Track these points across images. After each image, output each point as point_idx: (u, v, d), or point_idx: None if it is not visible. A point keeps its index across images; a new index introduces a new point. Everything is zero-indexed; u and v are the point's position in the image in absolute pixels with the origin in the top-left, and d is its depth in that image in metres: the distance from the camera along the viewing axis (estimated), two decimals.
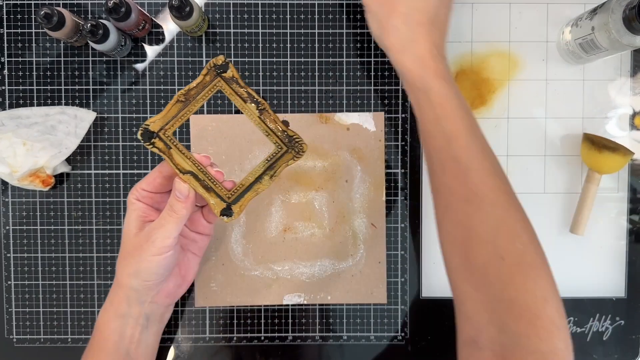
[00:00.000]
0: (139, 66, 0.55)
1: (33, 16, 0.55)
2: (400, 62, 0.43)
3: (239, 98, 0.40)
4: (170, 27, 0.55)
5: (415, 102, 0.43)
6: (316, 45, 0.55)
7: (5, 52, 0.55)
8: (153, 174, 0.43)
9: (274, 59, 0.55)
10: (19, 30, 0.55)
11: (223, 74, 0.40)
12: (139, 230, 0.43)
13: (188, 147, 0.55)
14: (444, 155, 0.40)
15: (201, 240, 0.48)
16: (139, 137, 0.41)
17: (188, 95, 0.40)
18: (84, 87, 0.55)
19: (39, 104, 0.55)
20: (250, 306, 0.56)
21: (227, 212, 0.42)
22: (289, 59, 0.55)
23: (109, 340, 0.44)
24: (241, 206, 0.42)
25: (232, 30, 0.55)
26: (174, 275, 0.47)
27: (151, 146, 0.41)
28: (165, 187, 0.44)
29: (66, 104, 0.55)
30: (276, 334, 0.56)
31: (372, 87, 0.55)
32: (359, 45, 0.55)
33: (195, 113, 0.55)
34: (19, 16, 0.55)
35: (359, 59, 0.55)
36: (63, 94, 0.55)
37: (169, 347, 0.56)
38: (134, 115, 0.55)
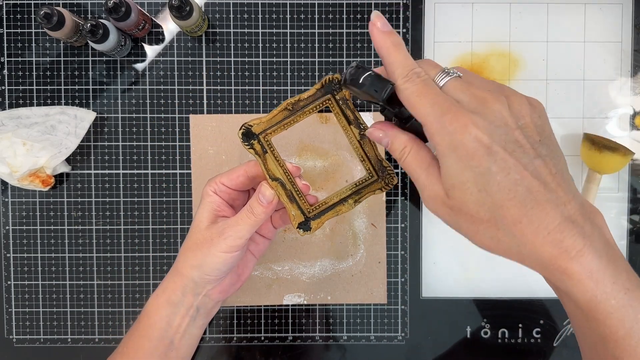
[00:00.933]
0: (139, 66, 0.55)
1: (33, 16, 0.54)
2: (566, 270, 0.29)
3: (344, 119, 0.40)
4: (170, 27, 0.55)
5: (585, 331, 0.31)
6: (316, 45, 0.55)
7: (5, 52, 0.55)
8: (237, 172, 0.43)
9: (274, 59, 0.55)
10: (19, 30, 0.55)
11: (336, 92, 0.39)
12: (210, 223, 0.42)
13: (188, 147, 0.55)
14: None
15: (262, 243, 0.48)
16: (239, 135, 0.40)
17: (296, 106, 0.39)
18: (84, 87, 0.55)
19: (39, 104, 0.55)
20: (250, 306, 0.56)
21: (305, 226, 0.42)
22: (289, 59, 0.55)
23: (155, 327, 0.44)
24: (319, 223, 0.42)
25: (232, 30, 0.55)
26: (232, 273, 0.46)
27: (249, 147, 0.40)
28: (245, 186, 0.44)
29: (66, 104, 0.55)
30: (276, 334, 0.56)
31: None
32: (359, 45, 0.55)
33: (196, 114, 0.55)
34: (18, 16, 0.55)
35: (359, 59, 0.55)
36: (63, 94, 0.55)
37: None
38: (134, 115, 0.55)
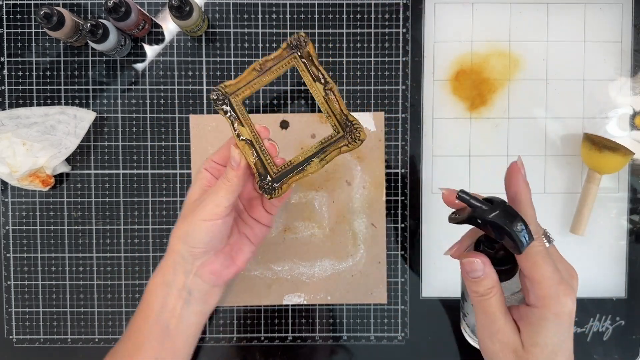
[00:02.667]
0: (139, 66, 0.55)
1: (33, 16, 0.54)
2: None
3: (309, 75, 0.40)
4: (170, 27, 0.55)
5: None
6: (316, 45, 0.55)
7: (5, 52, 0.55)
8: (224, 147, 0.44)
9: None
10: (19, 30, 0.55)
11: (300, 50, 0.39)
12: (198, 197, 0.44)
13: (188, 147, 0.55)
14: None
15: (258, 228, 0.47)
16: (211, 96, 0.40)
17: (264, 66, 0.40)
18: (84, 87, 0.55)
19: (38, 104, 0.55)
20: (250, 306, 0.56)
21: (269, 188, 0.41)
22: None
23: (151, 308, 0.44)
24: (285, 185, 0.41)
25: (232, 30, 0.55)
26: (223, 253, 0.45)
27: (219, 107, 0.40)
28: None
29: (66, 103, 0.55)
30: (276, 334, 0.56)
31: (372, 87, 0.55)
32: (359, 45, 0.55)
33: (196, 114, 0.55)
34: (18, 16, 0.54)
35: (359, 59, 0.55)
36: (63, 94, 0.55)
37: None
38: (134, 115, 0.55)
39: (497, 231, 0.32)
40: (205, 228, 0.42)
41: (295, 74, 0.55)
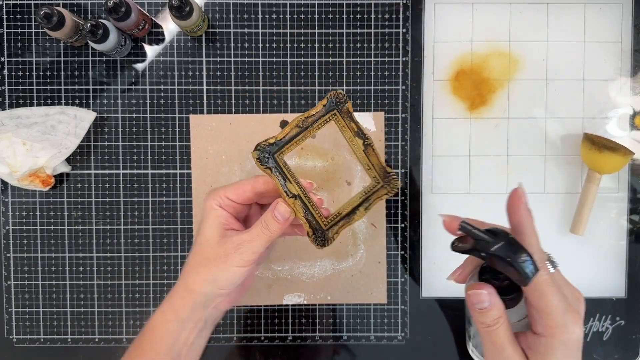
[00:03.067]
0: (139, 66, 0.55)
1: (33, 16, 0.54)
2: None
3: (349, 132, 0.41)
4: (170, 27, 0.55)
5: None
6: (316, 45, 0.55)
7: (5, 52, 0.55)
8: (243, 187, 0.42)
9: (274, 59, 0.55)
10: (19, 30, 0.55)
11: (340, 107, 0.41)
12: (221, 238, 0.42)
13: (188, 147, 0.55)
14: None
15: (265, 252, 0.48)
16: (253, 156, 0.40)
17: (305, 122, 0.41)
18: (84, 87, 0.55)
19: (38, 104, 0.55)
20: (250, 306, 0.56)
21: (321, 238, 0.42)
22: (289, 59, 0.55)
23: (162, 342, 0.43)
24: (335, 234, 0.42)
25: (232, 30, 0.55)
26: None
27: (266, 168, 0.41)
28: (250, 201, 0.44)
29: (66, 104, 0.55)
30: (276, 334, 0.56)
31: (372, 87, 0.55)
32: (359, 45, 0.55)
33: (196, 114, 0.55)
34: (18, 16, 0.55)
35: (359, 59, 0.55)
36: (63, 94, 0.55)
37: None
38: (134, 115, 0.55)
39: (501, 263, 0.31)
40: (240, 274, 0.41)
41: (295, 74, 0.55)
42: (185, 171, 0.55)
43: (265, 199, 0.45)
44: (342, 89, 0.49)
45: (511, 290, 0.34)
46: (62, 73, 0.55)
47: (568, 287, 0.35)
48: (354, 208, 0.42)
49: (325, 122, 0.41)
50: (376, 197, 0.42)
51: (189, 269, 0.43)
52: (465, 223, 0.33)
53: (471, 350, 0.49)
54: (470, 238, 0.33)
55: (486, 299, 0.33)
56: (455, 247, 0.35)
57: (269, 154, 0.40)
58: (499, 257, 0.31)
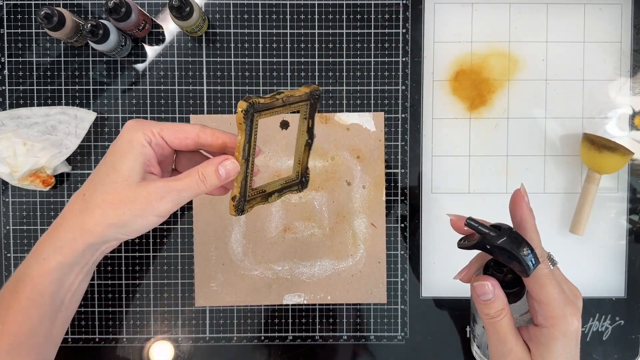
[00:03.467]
0: (139, 66, 0.55)
1: (33, 16, 0.55)
2: None
3: (306, 124, 0.42)
4: (170, 27, 0.55)
5: None
6: (316, 45, 0.55)
7: (6, 52, 0.55)
8: (187, 131, 0.38)
9: (274, 59, 0.55)
10: (19, 31, 0.55)
11: (314, 102, 0.41)
12: (142, 180, 0.37)
13: None
14: None
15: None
16: (242, 107, 0.38)
17: (287, 100, 0.40)
18: (84, 87, 0.55)
19: (39, 104, 0.55)
20: (250, 306, 0.56)
21: (240, 209, 0.41)
22: (289, 59, 0.55)
23: (45, 293, 0.38)
24: (250, 208, 0.41)
25: (232, 30, 0.55)
26: None
27: (245, 121, 0.38)
28: (187, 148, 0.39)
29: (66, 104, 0.55)
30: (276, 334, 0.56)
31: (372, 87, 0.56)
32: (359, 45, 0.55)
33: (196, 114, 0.55)
34: (19, 16, 0.55)
35: (358, 59, 0.55)
36: (63, 94, 0.55)
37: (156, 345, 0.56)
38: (134, 115, 0.55)
39: (505, 256, 0.33)
40: (154, 222, 0.37)
41: (296, 74, 0.55)
42: None
43: (202, 150, 0.41)
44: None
45: (514, 285, 0.36)
46: (63, 73, 0.55)
47: (567, 283, 0.37)
48: (273, 191, 0.42)
49: (299, 108, 0.41)
50: (289, 190, 0.43)
51: (90, 207, 0.37)
52: (471, 219, 0.35)
53: (475, 351, 0.50)
54: (476, 234, 0.35)
55: (490, 290, 0.35)
56: (462, 244, 0.37)
57: (253, 111, 0.40)
58: (503, 250, 0.33)
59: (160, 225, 0.55)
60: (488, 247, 0.34)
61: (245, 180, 0.40)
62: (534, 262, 0.33)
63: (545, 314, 0.35)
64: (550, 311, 0.34)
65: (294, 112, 0.41)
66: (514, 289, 0.36)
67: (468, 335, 0.56)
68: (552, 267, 0.36)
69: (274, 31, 0.55)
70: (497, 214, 0.56)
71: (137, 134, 0.37)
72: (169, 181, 0.37)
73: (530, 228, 0.36)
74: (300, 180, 0.43)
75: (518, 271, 0.34)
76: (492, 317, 0.36)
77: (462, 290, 0.56)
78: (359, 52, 0.55)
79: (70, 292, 0.39)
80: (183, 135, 0.38)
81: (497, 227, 0.34)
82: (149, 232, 0.55)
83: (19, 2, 0.54)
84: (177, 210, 0.55)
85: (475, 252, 0.39)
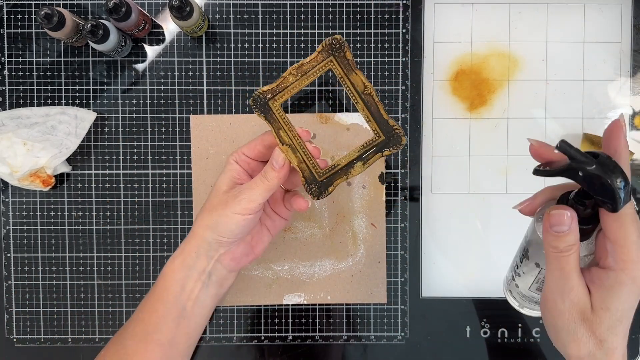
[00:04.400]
0: (139, 66, 0.55)
1: (33, 16, 0.55)
2: None
3: (348, 81, 0.39)
4: (170, 27, 0.55)
5: None
6: (316, 45, 0.55)
7: (6, 52, 0.55)
8: (255, 141, 0.45)
9: (274, 59, 0.55)
10: (19, 31, 0.55)
11: (337, 54, 0.39)
12: (229, 189, 0.45)
13: (188, 147, 0.55)
14: None
15: (278, 220, 0.49)
16: (250, 102, 0.41)
17: (300, 70, 0.40)
18: (84, 87, 0.55)
19: (39, 104, 0.55)
20: (250, 306, 0.56)
21: (316, 190, 0.41)
22: (289, 59, 0.55)
23: (170, 291, 0.45)
24: (331, 187, 0.41)
25: (232, 30, 0.55)
26: (245, 242, 0.48)
27: (260, 113, 0.41)
28: (264, 157, 0.46)
29: (66, 104, 0.55)
30: (276, 334, 0.56)
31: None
32: (358, 45, 0.55)
33: (196, 114, 0.55)
34: (19, 16, 0.55)
35: (358, 59, 0.55)
36: (63, 94, 0.55)
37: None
38: (134, 116, 0.55)
39: (596, 185, 0.30)
40: (237, 221, 0.43)
41: None
42: (185, 171, 0.55)
43: None
44: (342, 34, 0.50)
45: (588, 222, 0.34)
46: (63, 73, 0.55)
47: None
48: (350, 162, 0.41)
49: (321, 68, 0.40)
50: (376, 151, 0.40)
51: (198, 215, 0.46)
52: (564, 142, 0.32)
53: (509, 289, 0.46)
54: (560, 161, 0.32)
55: (567, 222, 0.33)
56: (540, 171, 0.34)
57: (264, 100, 0.40)
58: (597, 177, 0.30)
59: (161, 225, 0.56)
60: (580, 173, 0.31)
61: (307, 164, 0.40)
62: (625, 198, 0.30)
63: (617, 257, 0.32)
64: (625, 254, 0.32)
65: (328, 73, 0.40)
66: (587, 225, 0.34)
67: (468, 336, 0.56)
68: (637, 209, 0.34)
69: (274, 31, 0.55)
70: (497, 214, 0.56)
71: (229, 157, 0.46)
72: (243, 185, 0.44)
73: (625, 162, 0.33)
74: (385, 137, 0.40)
75: (606, 204, 0.31)
76: (561, 251, 0.33)
77: (462, 290, 0.56)
78: (359, 52, 0.55)
79: (191, 300, 0.46)
80: (253, 145, 0.45)
81: (592, 154, 0.31)
82: (149, 232, 0.55)
83: (19, 2, 0.54)
84: (177, 211, 0.55)
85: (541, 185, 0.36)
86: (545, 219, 0.34)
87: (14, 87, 0.55)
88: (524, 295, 0.43)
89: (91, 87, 0.55)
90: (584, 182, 0.31)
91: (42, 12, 0.47)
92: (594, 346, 0.34)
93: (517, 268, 0.43)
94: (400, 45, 0.55)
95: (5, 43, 0.55)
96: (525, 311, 0.46)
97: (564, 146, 0.31)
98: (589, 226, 0.34)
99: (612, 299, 0.33)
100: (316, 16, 0.55)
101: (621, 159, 0.33)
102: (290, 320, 0.56)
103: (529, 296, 0.43)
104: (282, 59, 0.55)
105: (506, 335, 0.56)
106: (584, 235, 0.34)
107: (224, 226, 0.44)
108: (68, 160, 0.55)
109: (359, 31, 0.55)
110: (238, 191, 0.44)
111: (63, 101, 0.55)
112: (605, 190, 0.30)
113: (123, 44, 0.52)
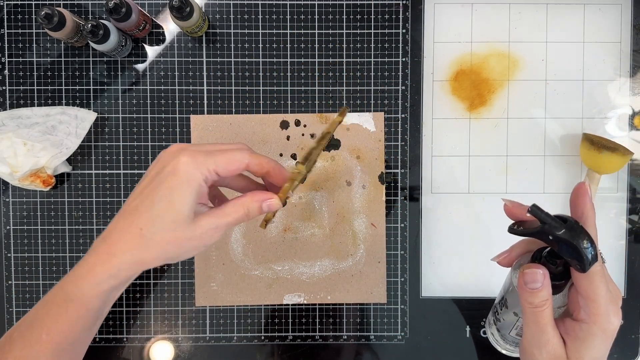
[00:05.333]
0: (140, 66, 0.55)
1: (33, 16, 0.55)
2: None
3: (327, 138, 0.44)
4: (170, 27, 0.55)
5: None
6: (316, 45, 0.55)
7: (6, 52, 0.55)
8: (236, 163, 0.38)
9: (274, 59, 0.55)
10: (20, 31, 0.55)
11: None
12: (195, 217, 0.38)
13: None
14: None
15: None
16: (301, 170, 0.41)
17: (325, 136, 0.44)
18: (85, 87, 0.55)
19: (39, 104, 0.55)
20: (250, 306, 0.56)
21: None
22: (289, 59, 0.55)
23: (92, 310, 0.40)
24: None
25: (232, 31, 0.55)
26: None
27: (301, 181, 0.42)
28: (235, 174, 0.40)
29: (67, 104, 0.55)
30: (276, 334, 0.56)
31: (372, 87, 0.56)
32: (358, 45, 0.56)
33: (196, 114, 0.55)
34: (19, 16, 0.55)
35: (358, 59, 0.55)
36: (64, 94, 0.55)
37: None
38: (135, 116, 0.55)
39: (565, 248, 0.33)
40: (201, 251, 0.40)
41: (296, 74, 0.55)
42: None
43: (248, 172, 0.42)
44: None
45: (561, 277, 0.36)
46: (63, 73, 0.55)
47: (611, 283, 0.37)
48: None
49: (331, 127, 0.44)
50: (298, 180, 0.42)
51: (151, 245, 0.38)
52: (535, 207, 0.33)
53: (491, 333, 0.49)
54: (533, 222, 0.34)
55: (540, 279, 0.35)
56: (515, 230, 0.36)
57: (305, 172, 0.42)
58: (565, 241, 0.32)
59: None
60: (550, 237, 0.33)
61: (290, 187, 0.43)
62: (593, 258, 0.33)
63: (589, 311, 0.35)
64: (596, 308, 0.35)
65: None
66: (560, 281, 0.36)
67: (468, 335, 0.56)
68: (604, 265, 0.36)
69: (274, 31, 0.55)
70: (497, 214, 0.56)
71: (195, 173, 0.37)
72: (219, 217, 0.38)
73: (591, 224, 0.35)
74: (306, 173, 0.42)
75: (575, 265, 0.33)
76: (536, 307, 0.36)
77: (462, 290, 0.56)
78: (359, 52, 0.55)
79: (110, 304, 0.43)
80: (235, 168, 0.38)
81: (562, 219, 0.34)
82: None
83: (19, 2, 0.55)
84: None
85: (518, 238, 0.38)
86: (520, 277, 0.36)
87: (14, 87, 0.55)
88: (506, 338, 0.46)
89: (91, 87, 0.55)
90: (554, 243, 0.33)
91: (43, 12, 0.47)
92: None
93: (497, 314, 0.46)
94: (400, 45, 0.55)
95: (6, 43, 0.55)
96: (506, 352, 0.49)
97: (535, 210, 0.33)
98: (561, 281, 0.36)
99: (586, 349, 0.36)
100: (316, 16, 0.55)
101: (588, 221, 0.35)
102: (290, 320, 0.56)
103: (510, 340, 0.45)
104: (282, 59, 0.55)
105: None
106: (557, 289, 0.36)
107: (186, 255, 0.39)
108: (68, 160, 0.55)
109: (359, 31, 0.55)
110: (215, 226, 0.38)
111: (63, 101, 0.55)
112: (573, 252, 0.33)
113: (123, 44, 0.53)
